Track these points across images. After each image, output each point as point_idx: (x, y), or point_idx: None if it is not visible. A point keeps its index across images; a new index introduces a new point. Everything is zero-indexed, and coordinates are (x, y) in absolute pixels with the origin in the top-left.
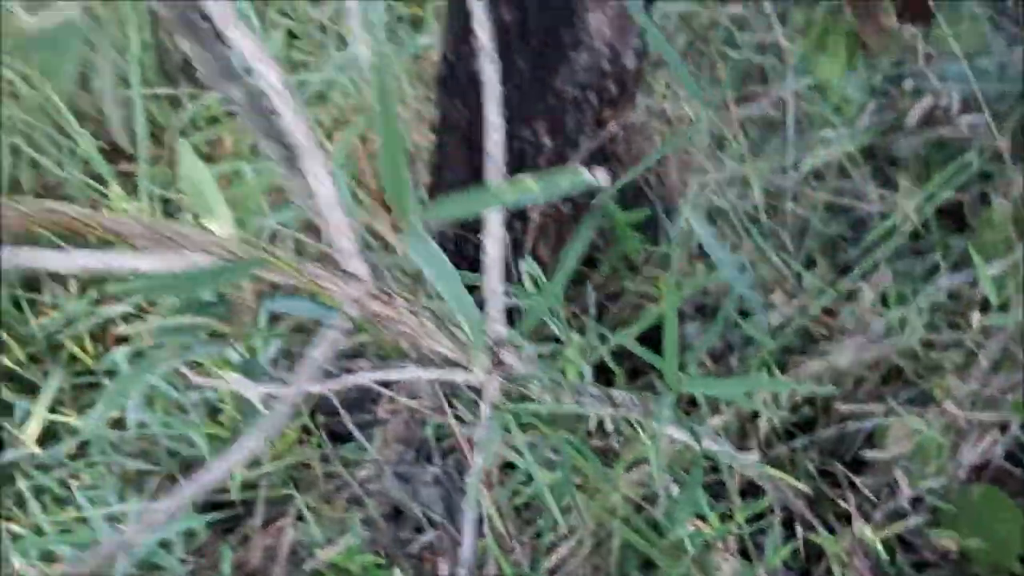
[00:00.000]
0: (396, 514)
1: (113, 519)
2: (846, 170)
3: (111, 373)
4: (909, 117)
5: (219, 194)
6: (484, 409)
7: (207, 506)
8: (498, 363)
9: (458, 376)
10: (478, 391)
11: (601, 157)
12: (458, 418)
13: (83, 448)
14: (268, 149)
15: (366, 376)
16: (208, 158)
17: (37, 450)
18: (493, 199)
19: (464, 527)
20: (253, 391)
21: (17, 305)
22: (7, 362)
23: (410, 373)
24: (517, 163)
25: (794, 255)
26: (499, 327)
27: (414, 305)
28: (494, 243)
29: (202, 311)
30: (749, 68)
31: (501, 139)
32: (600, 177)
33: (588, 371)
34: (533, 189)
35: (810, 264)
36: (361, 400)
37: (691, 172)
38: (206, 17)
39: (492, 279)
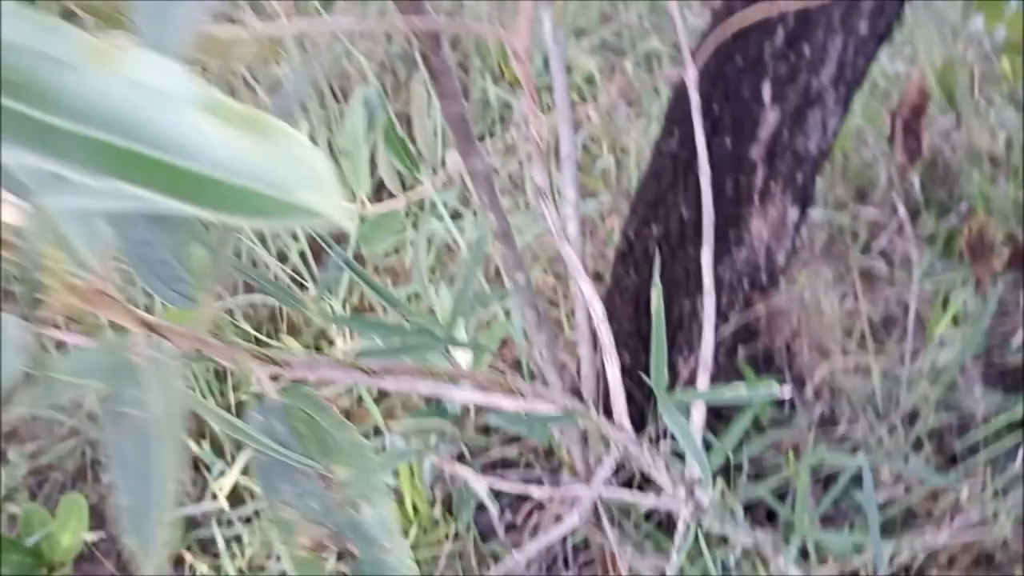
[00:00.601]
0: None
1: None
2: (960, 368)
3: None
4: (1017, 336)
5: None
6: (680, 527)
7: None
8: (690, 495)
9: (663, 502)
10: (641, 513)
11: (746, 331)
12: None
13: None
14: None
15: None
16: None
17: (226, 506)
18: (718, 396)
19: None
20: (482, 485)
21: (219, 376)
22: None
23: (624, 494)
24: (676, 327)
25: (904, 439)
26: (695, 470)
27: (650, 446)
28: (699, 413)
29: (440, 415)
30: (879, 268)
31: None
32: (784, 391)
33: (739, 509)
34: (742, 394)
35: (918, 447)
36: (515, 502)
37: (820, 353)
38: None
39: (696, 442)
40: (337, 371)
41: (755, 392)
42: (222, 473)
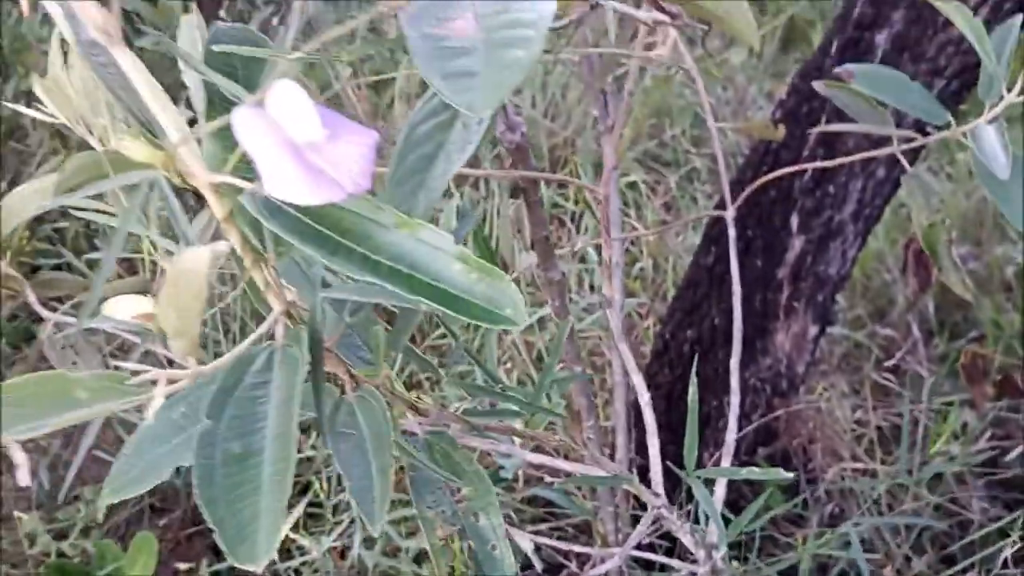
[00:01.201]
0: None
1: None
2: (960, 478)
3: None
4: (1014, 452)
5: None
6: None
7: None
8: (709, 557)
9: (685, 565)
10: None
11: (766, 433)
12: None
13: (306, 566)
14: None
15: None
16: None
17: (276, 557)
18: (738, 474)
19: None
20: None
21: None
22: None
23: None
24: (703, 423)
25: (905, 540)
26: (714, 536)
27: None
28: (720, 490)
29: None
30: (892, 383)
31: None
32: (786, 474)
33: None
34: (757, 474)
35: (919, 550)
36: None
37: (833, 457)
38: None
39: (717, 510)
40: (456, 423)
41: (769, 474)
42: None
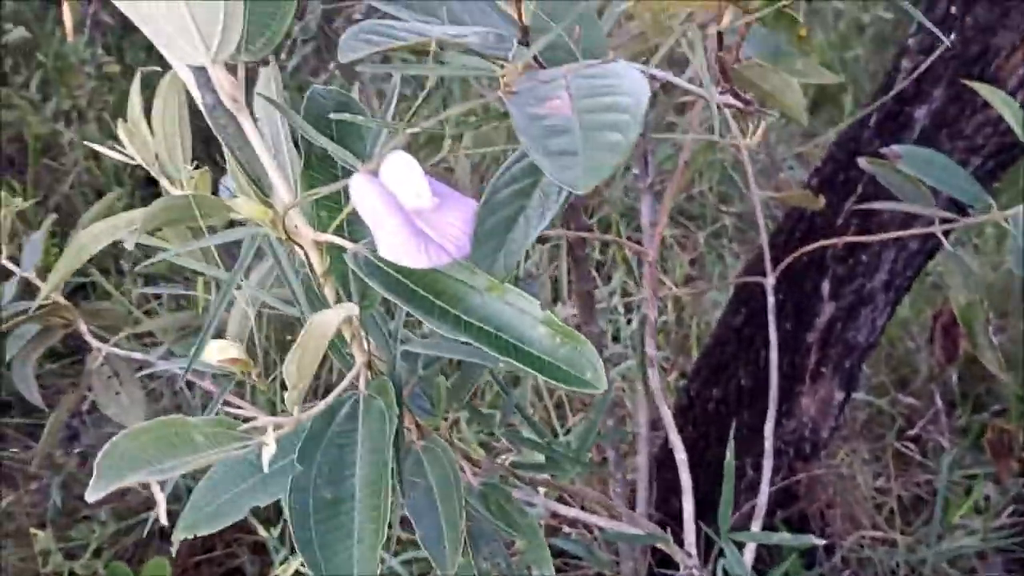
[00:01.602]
0: None
1: None
2: (980, 554)
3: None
4: None
5: None
6: None
7: None
8: None
9: None
10: None
11: (786, 495)
12: None
13: None
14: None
15: None
16: None
17: None
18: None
19: None
20: None
21: None
22: None
23: None
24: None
25: None
26: None
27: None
28: (749, 553)
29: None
30: (913, 452)
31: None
32: (816, 540)
33: None
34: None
35: None
36: None
37: (852, 523)
38: None
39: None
40: (504, 474)
41: (800, 540)
42: (285, 559)
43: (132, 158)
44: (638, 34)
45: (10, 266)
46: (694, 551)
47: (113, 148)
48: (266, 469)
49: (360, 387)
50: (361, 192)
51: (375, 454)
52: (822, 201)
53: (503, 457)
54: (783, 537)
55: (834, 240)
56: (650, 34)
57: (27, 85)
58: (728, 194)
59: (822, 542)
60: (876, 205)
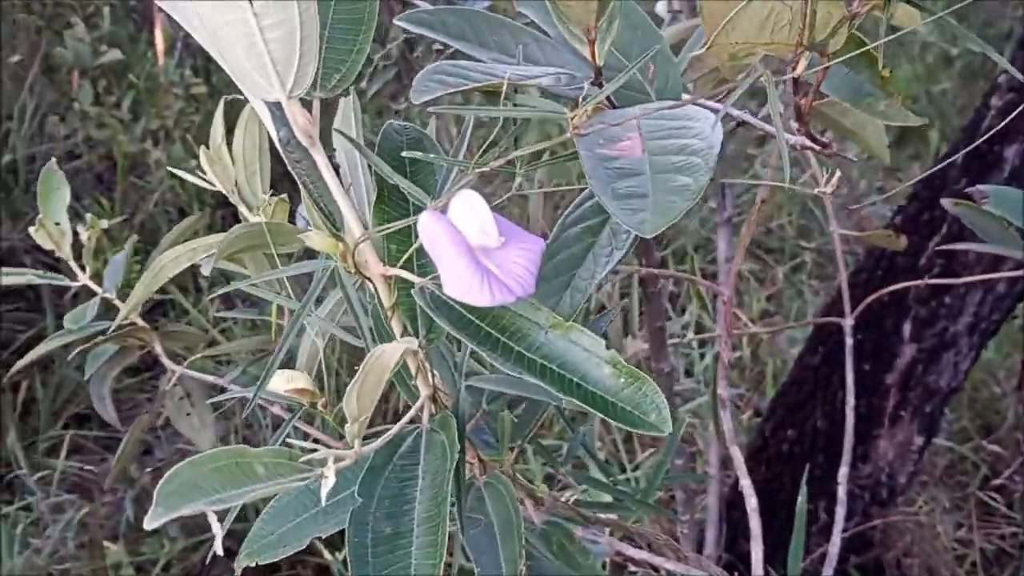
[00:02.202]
0: None
1: None
2: None
3: None
4: None
5: None
6: None
7: None
8: None
9: None
10: None
11: (861, 541)
12: None
13: None
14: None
15: None
16: None
17: None
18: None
19: None
20: None
21: None
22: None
23: None
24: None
25: None
26: None
27: None
28: None
29: None
30: (998, 503)
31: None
32: None
33: None
34: None
35: None
36: None
37: (929, 573)
38: None
39: None
40: (568, 512)
41: None
42: None
43: (213, 184)
44: (710, 71)
45: (92, 286)
46: None
47: (195, 174)
48: (323, 503)
49: (424, 421)
50: (428, 229)
51: (435, 488)
52: (904, 242)
53: (568, 493)
54: None
55: (917, 282)
56: (725, 73)
57: (119, 105)
58: (808, 228)
59: None
60: (961, 246)
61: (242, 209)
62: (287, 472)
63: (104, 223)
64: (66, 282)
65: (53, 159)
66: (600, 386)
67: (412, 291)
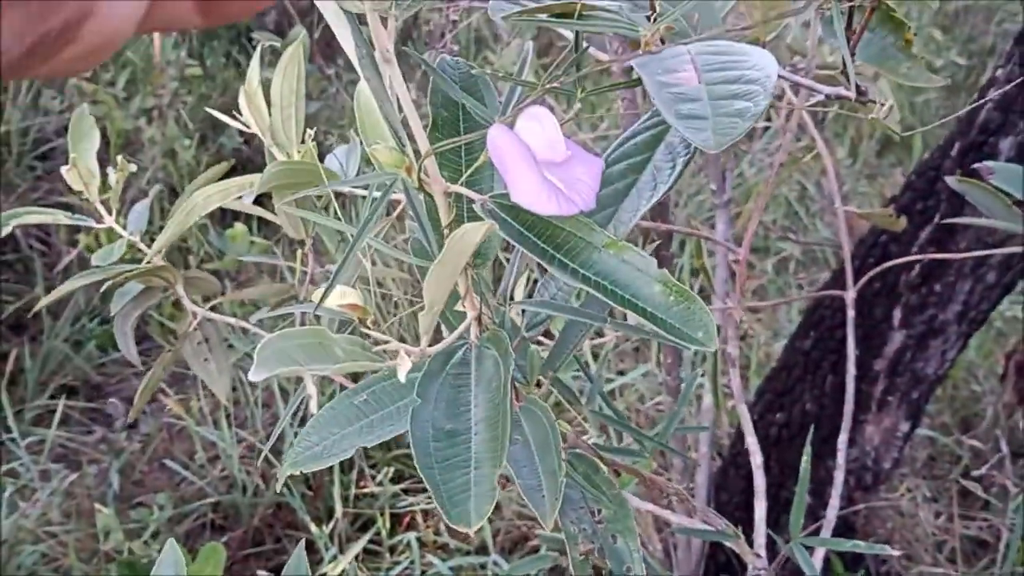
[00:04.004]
0: None
1: None
2: None
3: (395, 548)
4: None
5: None
6: None
7: None
8: None
9: None
10: None
11: (843, 526)
12: None
13: None
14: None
15: None
16: None
17: None
18: (839, 544)
19: None
20: None
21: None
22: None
23: None
24: (784, 508)
25: None
26: None
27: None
28: (818, 560)
29: None
30: (977, 493)
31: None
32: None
33: None
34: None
35: None
36: None
37: (910, 560)
38: None
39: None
40: (589, 452)
41: (872, 548)
42: (334, 558)
43: (247, 126)
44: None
45: (118, 228)
46: (763, 552)
47: (231, 116)
48: (402, 379)
49: (471, 338)
50: (498, 141)
51: (491, 393)
52: (904, 222)
53: (586, 437)
54: (856, 544)
55: (909, 259)
56: (757, 29)
57: (113, 83)
58: (791, 230)
59: (897, 553)
60: (962, 220)
61: (274, 151)
62: (362, 358)
63: (133, 166)
64: (91, 223)
65: (85, 105)
66: (651, 303)
67: (474, 205)
